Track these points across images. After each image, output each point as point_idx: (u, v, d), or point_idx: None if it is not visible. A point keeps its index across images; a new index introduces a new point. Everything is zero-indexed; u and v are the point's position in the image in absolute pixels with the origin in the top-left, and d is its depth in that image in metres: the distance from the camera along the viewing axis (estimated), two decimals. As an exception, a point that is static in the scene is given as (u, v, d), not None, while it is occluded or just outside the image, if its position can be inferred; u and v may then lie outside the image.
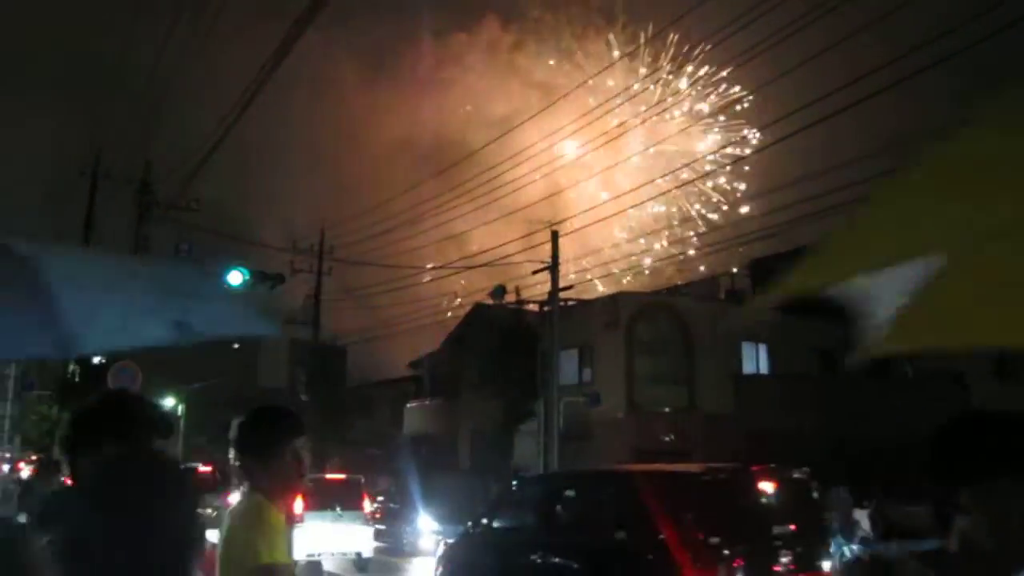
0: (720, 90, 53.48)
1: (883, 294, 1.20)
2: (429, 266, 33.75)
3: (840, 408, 22.01)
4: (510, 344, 28.10)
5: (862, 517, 16.56)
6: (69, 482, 2.79)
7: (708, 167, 49.29)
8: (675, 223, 54.37)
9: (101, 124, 52.00)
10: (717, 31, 23.79)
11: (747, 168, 51.18)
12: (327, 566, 17.19)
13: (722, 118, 52.47)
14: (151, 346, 2.56)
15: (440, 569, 11.24)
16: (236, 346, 60.99)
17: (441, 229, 32.06)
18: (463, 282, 32.33)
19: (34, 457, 30.85)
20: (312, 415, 29.99)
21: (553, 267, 23.97)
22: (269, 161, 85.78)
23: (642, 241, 51.30)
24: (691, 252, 47.51)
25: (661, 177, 36.51)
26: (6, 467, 35.32)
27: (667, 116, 48.13)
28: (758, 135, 43.37)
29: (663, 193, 45.07)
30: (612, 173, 41.44)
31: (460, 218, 29.98)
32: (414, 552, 20.56)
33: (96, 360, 22.29)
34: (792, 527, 8.30)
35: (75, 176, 25.00)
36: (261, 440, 2.81)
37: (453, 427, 34.35)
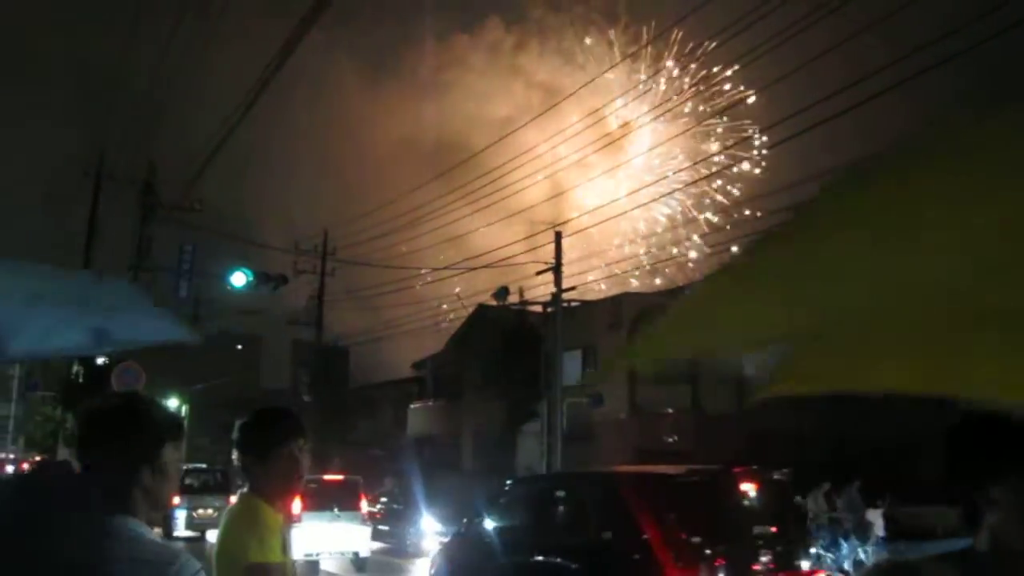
0: (725, 90, 53.40)
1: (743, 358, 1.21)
2: (429, 268, 33.75)
3: (841, 408, 21.97)
4: (513, 345, 28.12)
5: (875, 518, 16.44)
6: None
7: (714, 168, 49.22)
8: (679, 225, 54.37)
9: (105, 125, 52.12)
10: (717, 32, 23.78)
11: (760, 166, 51.16)
12: (325, 566, 17.33)
13: (725, 119, 52.49)
14: (73, 354, 2.76)
15: (434, 568, 11.41)
16: (240, 347, 61.31)
17: (444, 230, 32.04)
18: (458, 290, 32.32)
19: (38, 458, 30.96)
20: (315, 416, 30.02)
21: (556, 268, 23.97)
22: (272, 162, 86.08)
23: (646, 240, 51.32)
24: (693, 255, 47.57)
25: (664, 178, 36.48)
26: (10, 468, 35.39)
27: (670, 117, 48.10)
28: (763, 137, 43.27)
29: (666, 195, 45.15)
30: (615, 174, 41.47)
31: (463, 219, 29.98)
32: (417, 553, 20.57)
33: (100, 361, 22.35)
34: (772, 527, 8.53)
35: (79, 177, 25.07)
36: (260, 441, 2.86)
37: (456, 428, 34.38)
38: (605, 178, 39.23)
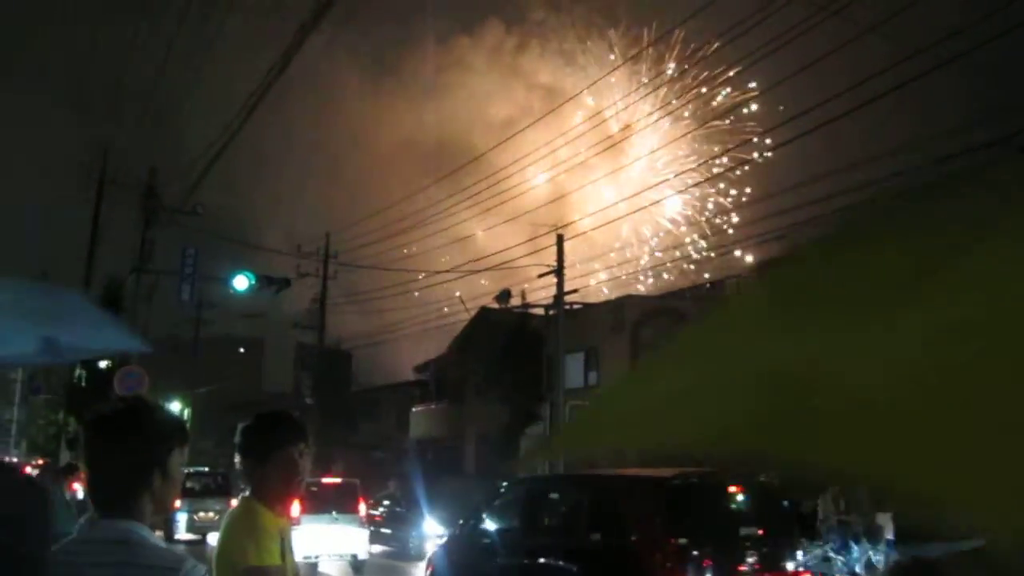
0: (727, 91, 53.35)
1: None
2: (431, 271, 33.71)
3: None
4: (516, 348, 28.13)
5: (885, 521, 16.31)
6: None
7: (716, 170, 49.17)
8: (681, 227, 54.34)
9: (107, 129, 52.19)
10: (719, 32, 23.77)
11: (769, 156, 50.94)
12: (324, 568, 17.38)
13: (727, 120, 52.40)
14: (21, 363, 2.76)
15: (429, 569, 11.47)
16: (242, 350, 61.33)
17: (446, 233, 32.03)
18: (458, 293, 32.26)
19: (40, 462, 30.99)
20: (317, 419, 30.01)
21: (559, 270, 23.96)
22: (274, 165, 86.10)
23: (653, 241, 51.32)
24: (695, 256, 47.54)
25: (666, 180, 36.48)
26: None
27: (672, 118, 48.06)
28: (764, 139, 43.22)
29: (668, 197, 45.14)
30: (617, 176, 41.44)
31: (465, 222, 29.99)
32: (420, 556, 20.52)
33: (103, 364, 22.37)
34: (759, 529, 8.70)
35: (82, 181, 25.10)
36: (260, 444, 2.87)
37: (459, 431, 34.35)
38: (606, 181, 39.18)
